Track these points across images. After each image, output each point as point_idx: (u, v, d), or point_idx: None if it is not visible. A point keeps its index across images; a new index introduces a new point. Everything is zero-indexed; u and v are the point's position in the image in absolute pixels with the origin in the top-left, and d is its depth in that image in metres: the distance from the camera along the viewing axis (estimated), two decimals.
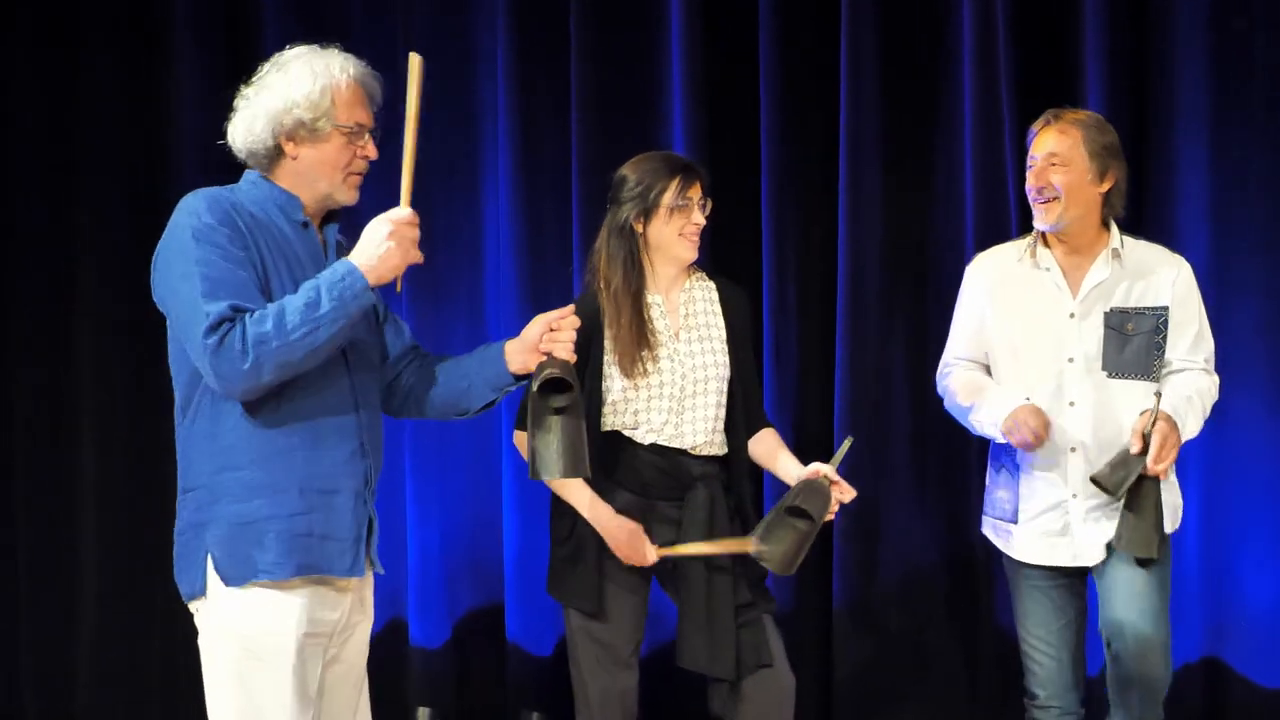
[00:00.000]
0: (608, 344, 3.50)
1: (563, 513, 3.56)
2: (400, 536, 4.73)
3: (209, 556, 2.75)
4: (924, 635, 4.49)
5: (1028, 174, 3.60)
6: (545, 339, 2.92)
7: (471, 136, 4.68)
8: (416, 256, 2.79)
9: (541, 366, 2.91)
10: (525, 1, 4.57)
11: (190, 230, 2.69)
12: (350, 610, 2.88)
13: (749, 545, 3.41)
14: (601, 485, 3.50)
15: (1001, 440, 3.59)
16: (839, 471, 3.46)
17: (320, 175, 2.83)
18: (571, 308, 2.96)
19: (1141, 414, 3.47)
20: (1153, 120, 4.29)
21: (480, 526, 4.71)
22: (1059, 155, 3.54)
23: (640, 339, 3.48)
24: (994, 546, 3.79)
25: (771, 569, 3.42)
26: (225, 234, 2.70)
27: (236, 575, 2.73)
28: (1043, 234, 3.63)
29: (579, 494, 3.49)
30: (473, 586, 4.74)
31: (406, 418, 3.14)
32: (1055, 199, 3.54)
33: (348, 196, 2.88)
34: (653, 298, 3.55)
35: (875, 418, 4.45)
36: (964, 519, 4.42)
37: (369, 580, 2.95)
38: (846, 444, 3.52)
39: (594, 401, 3.50)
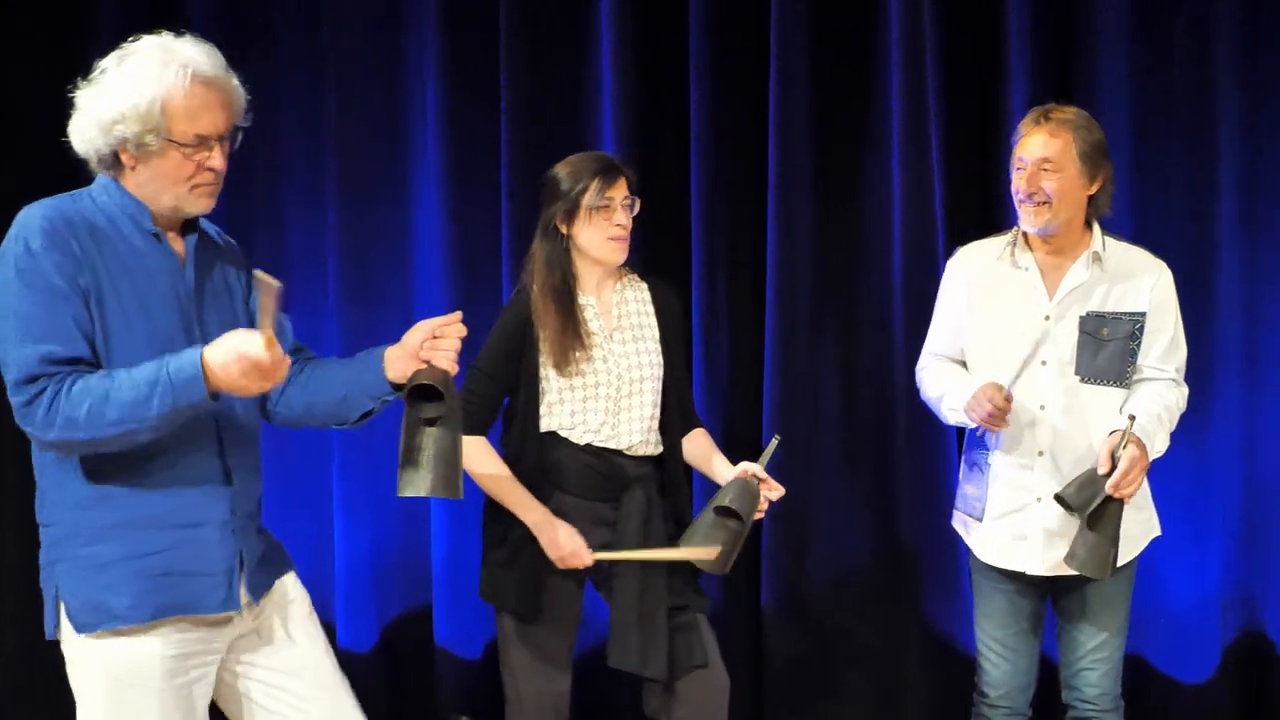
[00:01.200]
0: (541, 344, 3.49)
1: (497, 517, 3.54)
2: (327, 540, 4.69)
3: (59, 599, 2.64)
4: (854, 632, 4.51)
5: (1015, 175, 3.52)
6: (426, 346, 2.75)
7: (401, 138, 4.64)
8: (268, 387, 2.56)
9: (416, 374, 2.75)
10: (454, 4, 4.55)
11: (14, 260, 2.53)
12: (249, 635, 2.76)
13: (684, 554, 3.43)
14: (538, 486, 3.49)
15: (971, 424, 3.53)
16: (767, 469, 3.50)
17: (162, 189, 2.63)
18: (458, 315, 2.81)
19: (1112, 433, 3.40)
20: None
21: (409, 529, 4.68)
22: (1051, 160, 3.45)
23: (573, 338, 3.46)
24: (935, 544, 3.81)
25: (706, 569, 3.45)
26: (53, 260, 2.52)
27: (89, 622, 2.61)
28: (1023, 232, 3.57)
29: (515, 493, 3.47)
30: (401, 590, 4.71)
31: (288, 427, 2.95)
32: (1045, 204, 3.47)
33: (197, 207, 2.67)
34: (585, 299, 3.54)
35: (805, 416, 4.47)
36: (893, 515, 4.46)
37: (293, 597, 2.83)
38: (774, 443, 3.56)
39: (531, 402, 3.50)
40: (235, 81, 2.68)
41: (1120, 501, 3.36)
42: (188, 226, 2.73)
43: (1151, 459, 3.44)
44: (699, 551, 3.42)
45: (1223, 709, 4.44)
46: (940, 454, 4.41)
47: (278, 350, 2.50)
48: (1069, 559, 3.41)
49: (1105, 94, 4.31)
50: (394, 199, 4.65)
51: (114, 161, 2.63)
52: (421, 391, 2.74)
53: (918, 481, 4.42)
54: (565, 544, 3.44)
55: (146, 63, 2.59)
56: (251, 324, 2.78)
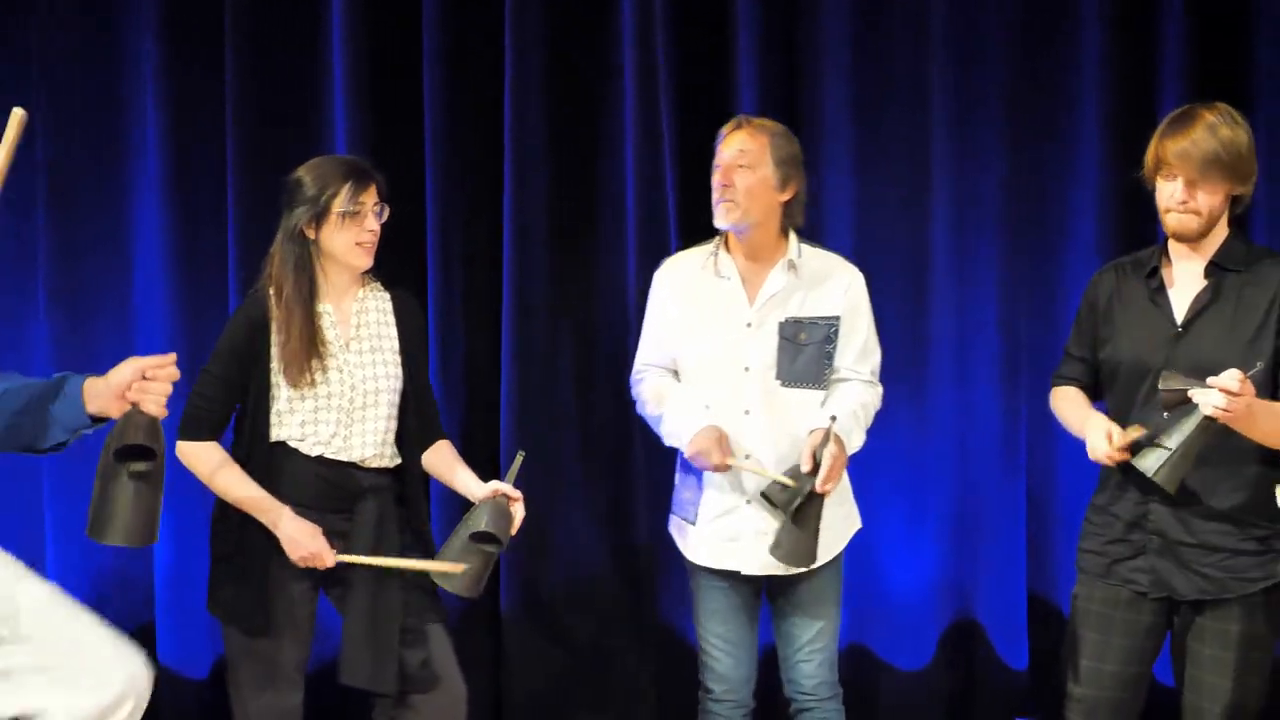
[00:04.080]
0: (274, 351, 3.40)
1: (225, 527, 3.43)
2: (39, 561, 4.46)
3: None
4: (592, 635, 4.55)
5: (715, 174, 3.58)
6: (135, 388, 2.64)
7: (120, 139, 4.46)
8: None
9: (126, 419, 2.64)
10: (178, 2, 4.39)
11: None
12: None
13: (431, 566, 3.39)
14: None
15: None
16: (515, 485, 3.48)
17: None
18: (172, 356, 2.72)
19: (812, 432, 3.51)
20: (803, 134, 4.46)
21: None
22: (747, 154, 3.54)
23: (309, 349, 3.38)
24: (669, 545, 3.86)
25: (457, 592, 3.40)
26: None
27: None
28: (725, 242, 3.65)
29: (252, 495, 3.36)
30: (121, 609, 4.51)
31: None
32: (735, 201, 3.53)
33: None
34: (323, 306, 3.46)
35: (542, 419, 4.49)
36: (630, 521, 4.52)
37: None
38: (519, 459, 3.53)
39: (261, 410, 3.41)
40: None
41: (822, 497, 3.47)
42: None
43: (849, 454, 3.56)
44: (444, 565, 3.38)
45: (938, 692, 4.64)
46: (675, 455, 4.46)
47: None
48: (774, 550, 3.50)
49: (827, 97, 4.45)
50: (112, 202, 4.47)
51: None
52: (132, 448, 2.64)
53: (653, 483, 4.47)
54: (307, 544, 3.35)
55: None
56: None
